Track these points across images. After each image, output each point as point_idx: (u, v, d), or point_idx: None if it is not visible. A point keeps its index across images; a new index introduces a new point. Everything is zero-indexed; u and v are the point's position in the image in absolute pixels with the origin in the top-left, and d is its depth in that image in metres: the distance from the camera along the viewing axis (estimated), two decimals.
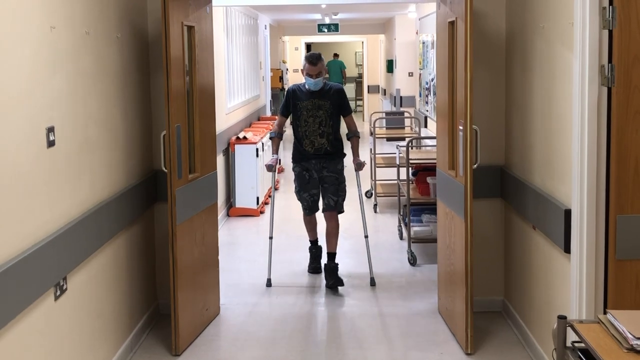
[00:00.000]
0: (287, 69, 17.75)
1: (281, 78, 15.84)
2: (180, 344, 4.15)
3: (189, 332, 4.29)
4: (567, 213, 3.43)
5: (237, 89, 9.26)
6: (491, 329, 4.49)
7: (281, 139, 5.73)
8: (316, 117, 5.39)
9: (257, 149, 7.97)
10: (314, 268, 5.71)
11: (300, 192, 5.55)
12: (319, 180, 5.48)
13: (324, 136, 5.40)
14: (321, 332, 4.65)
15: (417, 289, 5.36)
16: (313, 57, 5.42)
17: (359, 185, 5.74)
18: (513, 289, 4.58)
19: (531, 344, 4.11)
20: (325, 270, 5.48)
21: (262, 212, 7.93)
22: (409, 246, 6.02)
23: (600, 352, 1.84)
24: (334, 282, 5.30)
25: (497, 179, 4.68)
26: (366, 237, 5.60)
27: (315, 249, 5.76)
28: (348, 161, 5.52)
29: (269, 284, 5.41)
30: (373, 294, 5.15)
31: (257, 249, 6.38)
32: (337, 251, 5.52)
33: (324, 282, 5.43)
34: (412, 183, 6.45)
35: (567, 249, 3.44)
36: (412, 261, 5.94)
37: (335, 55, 21.74)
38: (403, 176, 6.57)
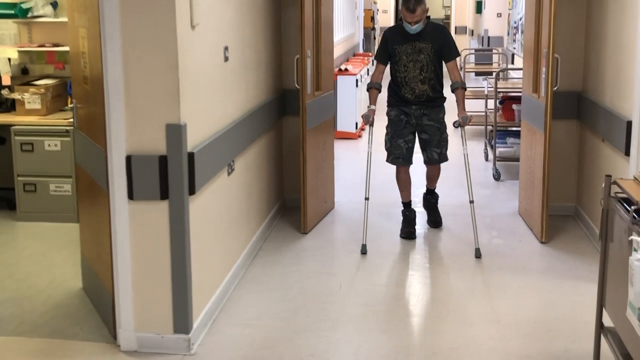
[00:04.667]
0: (377, 10, 18.45)
1: (372, 18, 16.59)
2: (307, 225, 5.21)
3: (313, 217, 5.33)
4: (629, 124, 4.23)
5: (337, 26, 10.14)
6: (564, 227, 5.34)
7: (380, 91, 5.14)
8: (417, 62, 4.94)
9: (356, 80, 8.89)
10: (407, 233, 5.17)
11: (394, 139, 5.03)
12: (417, 128, 5.06)
13: (425, 82, 4.97)
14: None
15: (500, 197, 6.23)
16: (410, 2, 4.78)
17: (464, 144, 5.05)
18: (584, 195, 5.40)
19: (597, 238, 4.94)
20: (425, 204, 5.45)
21: (359, 136, 8.89)
22: (494, 164, 6.86)
23: (633, 194, 2.72)
24: (435, 223, 5.36)
25: (575, 103, 5.45)
26: (471, 202, 4.97)
27: (408, 212, 5.25)
28: (448, 109, 5.24)
29: (364, 250, 4.86)
30: (461, 203, 5.83)
31: (358, 165, 7.31)
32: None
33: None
34: (499, 111, 7.24)
35: (627, 152, 4.25)
36: (497, 176, 6.79)
37: None
38: (491, 106, 7.37)
